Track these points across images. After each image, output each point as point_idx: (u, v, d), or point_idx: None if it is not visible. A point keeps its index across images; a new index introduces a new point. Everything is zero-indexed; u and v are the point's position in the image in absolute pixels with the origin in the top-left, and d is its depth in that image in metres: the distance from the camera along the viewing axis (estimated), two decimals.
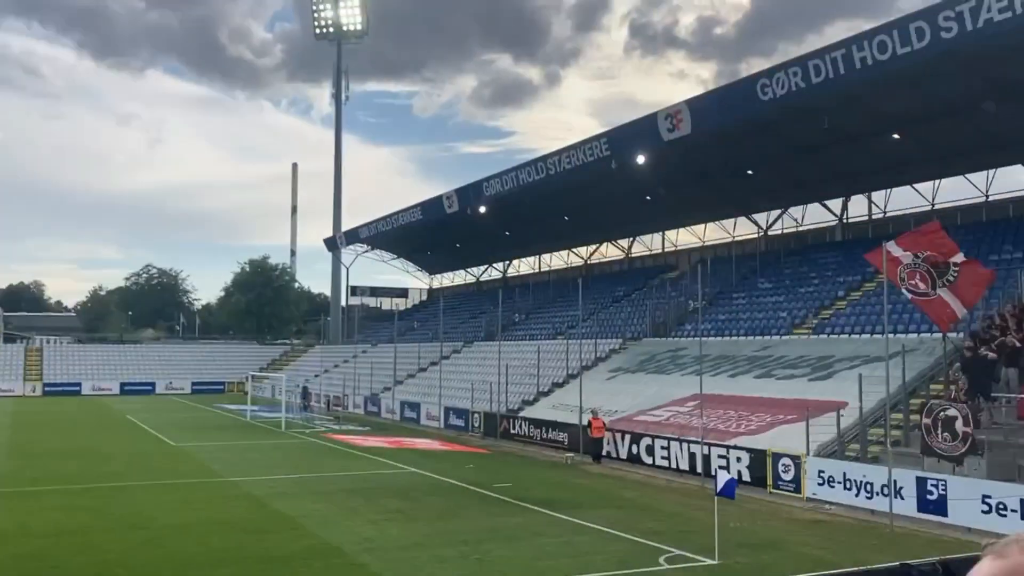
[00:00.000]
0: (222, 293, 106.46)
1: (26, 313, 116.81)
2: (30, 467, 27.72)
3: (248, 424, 44.64)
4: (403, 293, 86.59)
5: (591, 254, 61.23)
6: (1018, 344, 21.88)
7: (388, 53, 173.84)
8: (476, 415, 39.07)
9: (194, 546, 16.52)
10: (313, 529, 18.10)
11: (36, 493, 22.88)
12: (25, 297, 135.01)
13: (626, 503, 21.92)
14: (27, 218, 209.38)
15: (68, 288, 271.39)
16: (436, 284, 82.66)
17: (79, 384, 71.89)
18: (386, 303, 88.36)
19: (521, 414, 37.62)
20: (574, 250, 61.98)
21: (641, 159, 37.42)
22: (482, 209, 50.97)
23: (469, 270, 76.12)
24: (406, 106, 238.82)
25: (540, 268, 66.98)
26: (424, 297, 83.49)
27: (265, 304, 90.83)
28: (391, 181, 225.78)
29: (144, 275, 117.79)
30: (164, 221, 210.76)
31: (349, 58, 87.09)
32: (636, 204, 46.36)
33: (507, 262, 70.43)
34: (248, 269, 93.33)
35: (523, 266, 69.37)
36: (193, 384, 74.30)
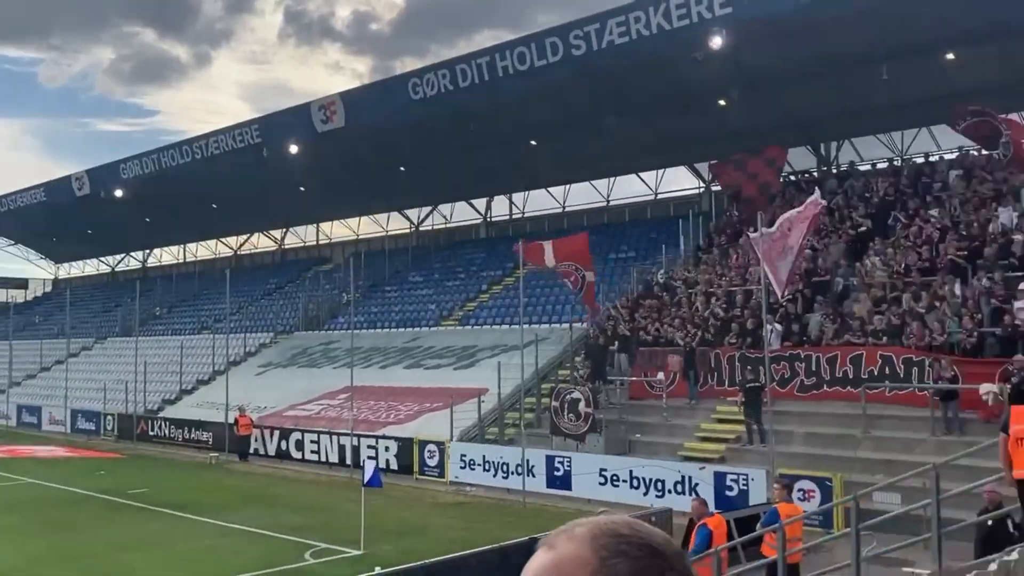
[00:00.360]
0: None
1: None
2: None
3: None
4: (22, 284, 77.02)
5: (241, 244, 58.91)
6: (628, 333, 24.66)
7: (6, 12, 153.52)
8: (109, 417, 36.01)
9: None
10: None
11: None
12: None
13: (274, 501, 21.47)
14: None
15: None
16: (63, 274, 74.57)
17: None
18: (1, 295, 78.15)
19: (161, 414, 35.34)
20: (223, 240, 59.26)
21: (294, 149, 36.65)
22: (119, 193, 46.81)
23: (103, 259, 69.64)
24: (29, 74, 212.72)
25: (185, 258, 63.14)
26: (48, 288, 75.01)
27: None
28: (9, 157, 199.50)
29: None
30: None
31: None
32: (289, 194, 45.38)
33: (147, 251, 65.47)
34: None
35: (166, 256, 64.90)
36: None
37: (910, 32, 23.16)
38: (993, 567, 6.67)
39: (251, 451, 28.50)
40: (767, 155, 28.27)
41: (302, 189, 44.16)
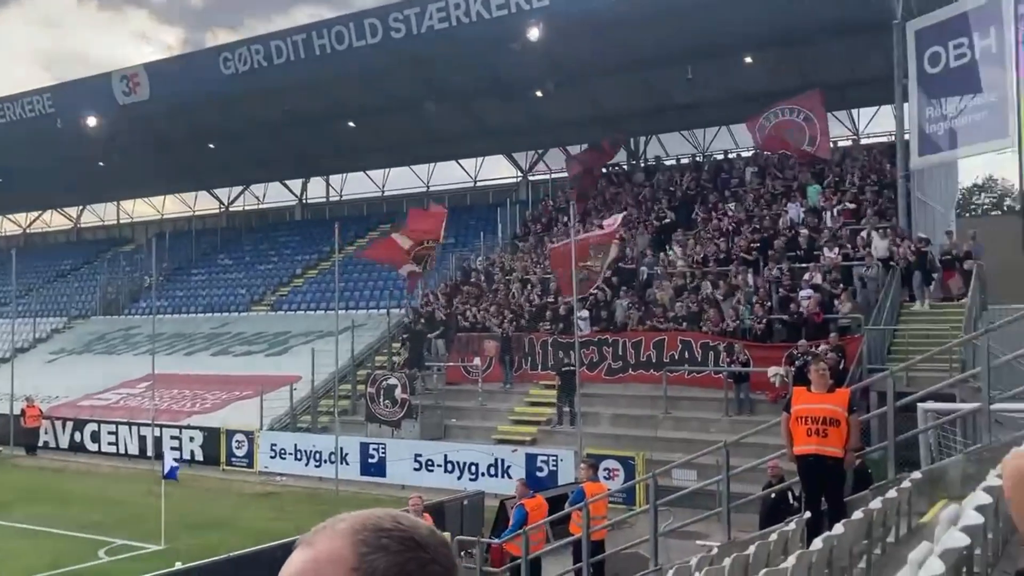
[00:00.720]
0: None
1: None
2: None
3: None
4: None
5: (32, 222, 54.44)
6: (445, 318, 24.81)
7: None
8: None
9: None
10: None
11: None
12: None
13: (66, 497, 20.06)
14: None
15: None
16: None
17: None
18: None
19: None
20: (10, 217, 54.54)
21: (93, 121, 34.26)
22: None
23: None
24: None
25: None
26: None
27: None
28: None
29: None
30: None
31: None
32: (87, 170, 42.33)
33: None
34: None
35: None
36: None
37: (712, 35, 24.53)
38: (774, 537, 7.21)
39: (40, 444, 26.48)
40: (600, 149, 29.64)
41: (101, 164, 41.31)
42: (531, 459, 18.56)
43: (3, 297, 40.57)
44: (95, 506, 18.74)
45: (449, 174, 39.32)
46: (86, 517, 17.43)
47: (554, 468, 18.09)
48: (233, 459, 22.94)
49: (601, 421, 20.27)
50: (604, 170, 32.22)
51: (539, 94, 29.88)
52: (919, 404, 11.52)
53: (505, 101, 31.28)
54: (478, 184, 38.83)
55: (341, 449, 20.42)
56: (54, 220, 53.81)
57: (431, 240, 23.82)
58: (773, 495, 11.30)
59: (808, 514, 8.30)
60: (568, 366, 20.50)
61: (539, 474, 18.01)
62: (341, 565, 1.09)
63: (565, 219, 24.06)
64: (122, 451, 24.93)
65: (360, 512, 1.17)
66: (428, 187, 39.60)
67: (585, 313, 21.62)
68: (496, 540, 12.50)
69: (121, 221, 50.12)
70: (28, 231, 54.37)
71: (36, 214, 53.95)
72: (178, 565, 12.05)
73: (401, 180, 40.33)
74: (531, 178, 37.03)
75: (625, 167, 33.46)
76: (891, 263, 20.02)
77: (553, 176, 35.75)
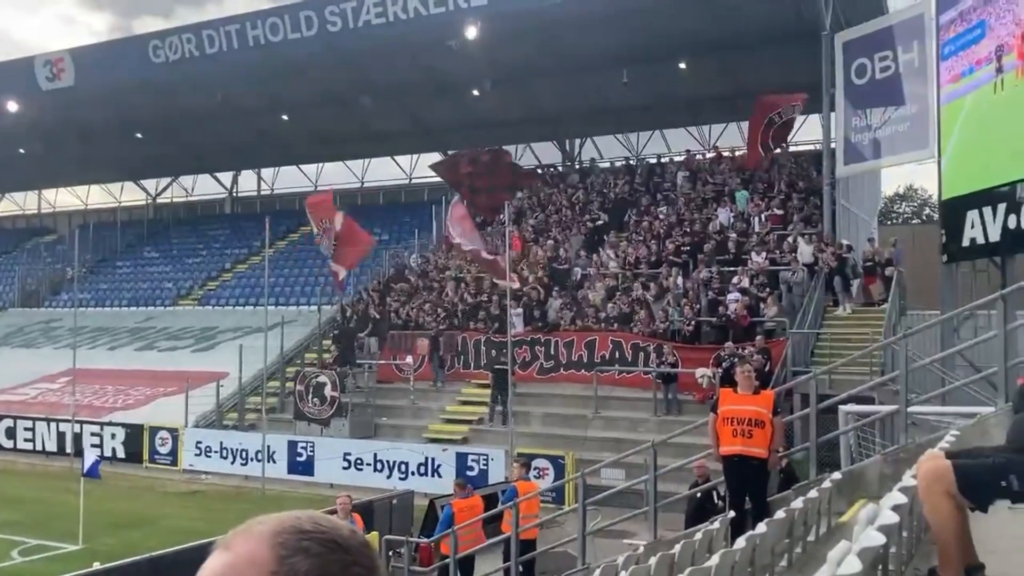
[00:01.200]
0: None
1: None
2: None
3: None
4: None
5: None
6: (378, 316, 24.62)
7: None
8: None
9: None
10: None
11: None
12: None
13: None
14: None
15: None
16: None
17: None
18: None
19: None
20: None
21: (13, 106, 33.09)
22: None
23: None
24: None
25: None
26: None
27: None
28: None
29: None
30: None
31: None
32: (7, 156, 40.89)
33: None
34: None
35: None
36: None
37: (648, 40, 24.84)
38: (699, 536, 7.33)
39: None
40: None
41: (22, 151, 39.91)
42: (462, 458, 18.55)
43: None
44: (10, 505, 18.08)
45: (384, 171, 39.04)
46: (0, 516, 16.83)
47: (485, 467, 18.11)
48: (156, 457, 22.41)
49: (532, 420, 20.36)
50: (537, 171, 32.36)
51: (476, 93, 29.87)
52: (840, 406, 11.85)
53: (442, 99, 31.18)
54: (414, 181, 38.61)
55: (268, 447, 20.12)
56: None
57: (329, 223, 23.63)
58: (699, 495, 11.50)
59: (732, 513, 8.46)
60: (501, 365, 20.54)
61: (469, 473, 17.99)
62: (260, 568, 1.06)
63: (500, 217, 24.10)
64: (40, 448, 24.14)
65: (280, 514, 1.14)
66: (362, 183, 39.25)
67: (519, 310, 21.69)
68: (424, 540, 12.45)
69: (43, 211, 48.49)
70: None
71: None
72: (96, 565, 11.71)
73: (335, 175, 39.89)
74: None
75: (560, 168, 33.65)
76: (816, 268, 20.54)
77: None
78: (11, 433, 24.78)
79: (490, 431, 20.44)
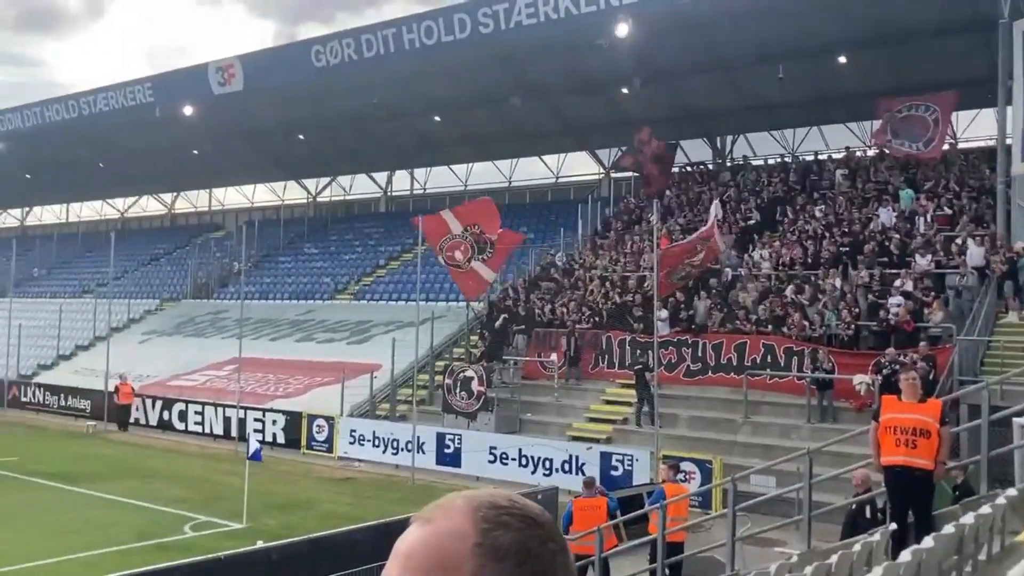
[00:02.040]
0: None
1: None
2: None
3: None
4: None
5: (129, 207, 56.60)
6: (523, 313, 24.86)
7: None
8: None
9: None
10: None
11: None
12: None
13: (153, 472, 20.83)
14: None
15: None
16: None
17: None
18: None
19: (36, 380, 33.80)
20: (109, 201, 56.79)
21: (189, 110, 35.42)
22: None
23: None
24: None
25: (68, 218, 60.25)
26: None
27: None
28: None
29: None
30: None
31: None
32: (182, 158, 43.82)
33: (26, 209, 62.18)
34: None
35: (46, 215, 61.81)
36: None
37: (805, 34, 23.98)
38: (857, 548, 7.04)
39: (131, 421, 27.55)
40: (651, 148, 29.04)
41: (195, 152, 42.75)
42: (606, 457, 18.48)
43: (101, 278, 42.27)
44: (181, 483, 19.40)
45: (531, 170, 39.40)
46: (173, 492, 18.06)
47: (629, 468, 17.98)
48: (313, 443, 23.46)
49: (678, 423, 20.06)
50: (680, 168, 31.80)
51: (625, 91, 29.69)
52: (1015, 419, 11.08)
53: (590, 97, 31.17)
54: (560, 180, 38.80)
55: (418, 438, 20.68)
56: (150, 206, 55.82)
57: (481, 230, 22.33)
58: (854, 506, 11.03)
59: (894, 526, 8.07)
60: (644, 366, 20.34)
61: (614, 473, 17.93)
62: (464, 540, 1.09)
63: (649, 216, 23.82)
64: (207, 431, 25.74)
65: (474, 491, 1.18)
66: (510, 182, 39.74)
67: (665, 313, 21.41)
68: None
69: (213, 208, 51.71)
70: (126, 216, 56.56)
71: (133, 199, 56.07)
72: (259, 543, 12.39)
73: (484, 175, 40.57)
74: (613, 175, 36.81)
75: (711, 166, 32.97)
76: (987, 272, 19.27)
77: (635, 173, 35.42)
78: (183, 416, 26.54)
79: (635, 432, 20.28)
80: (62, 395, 30.80)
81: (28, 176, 51.28)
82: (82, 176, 50.22)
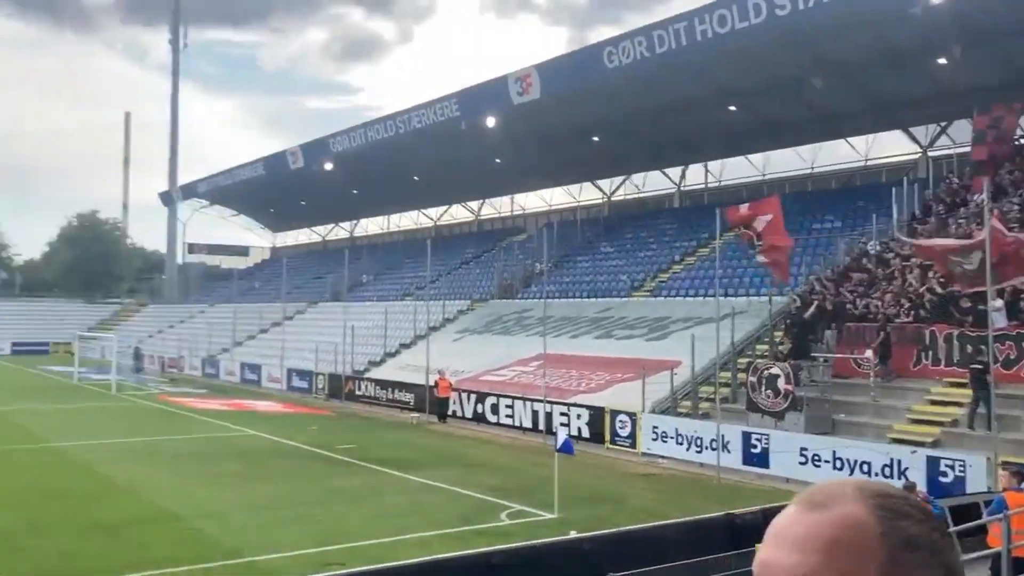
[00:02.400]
0: (46, 249, 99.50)
1: None
2: None
3: (75, 386, 42.19)
4: (244, 251, 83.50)
5: (441, 216, 61.09)
6: (830, 307, 23.46)
7: None
8: (320, 377, 38.45)
9: (11, 515, 15.52)
10: (146, 494, 17.39)
11: None
12: None
13: (471, 461, 22.20)
14: None
15: None
16: (279, 243, 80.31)
17: None
18: (226, 261, 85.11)
19: (367, 375, 37.34)
20: (424, 211, 61.65)
21: (491, 121, 37.45)
22: (329, 166, 49.74)
23: (314, 229, 74.35)
24: (249, 56, 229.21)
25: (389, 228, 66.27)
26: (267, 256, 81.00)
27: (94, 260, 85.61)
28: (232, 134, 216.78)
29: None
30: None
31: (188, 2, 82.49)
32: (486, 166, 46.51)
33: (355, 221, 69.22)
34: (76, 223, 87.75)
35: (371, 226, 68.44)
36: (13, 345, 69.28)
37: None
38: None
39: (449, 413, 29.60)
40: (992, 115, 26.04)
41: (498, 161, 45.10)
42: (933, 462, 16.93)
43: (419, 282, 45.95)
44: (496, 472, 20.50)
45: (836, 153, 37.22)
46: (487, 481, 19.12)
47: (961, 474, 16.34)
48: (617, 439, 23.80)
49: (1021, 426, 17.91)
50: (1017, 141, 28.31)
51: (942, 61, 27.09)
52: None
53: (900, 71, 28.80)
54: (869, 163, 36.24)
55: (723, 436, 20.26)
56: (459, 214, 59.85)
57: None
58: None
59: None
60: (979, 363, 18.37)
61: (943, 479, 16.39)
62: (866, 531, 1.03)
63: (977, 197, 21.54)
64: (517, 423, 27.01)
65: (852, 479, 1.12)
66: (812, 167, 37.80)
67: (1000, 303, 19.20)
68: None
69: (515, 213, 54.32)
70: (438, 224, 61.04)
71: (444, 208, 60.40)
72: (572, 534, 12.76)
73: (782, 163, 38.95)
74: (931, 154, 33.75)
75: None
76: None
77: (958, 151, 32.20)
78: (495, 409, 28.07)
79: (967, 435, 18.39)
80: (389, 389, 33.82)
81: (355, 192, 57.02)
82: (400, 189, 54.94)
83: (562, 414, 25.17)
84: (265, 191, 60.41)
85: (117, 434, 26.56)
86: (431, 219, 61.45)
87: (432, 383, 30.13)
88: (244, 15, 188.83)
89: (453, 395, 29.69)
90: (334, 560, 12.51)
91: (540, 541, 10.76)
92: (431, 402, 30.05)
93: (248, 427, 27.89)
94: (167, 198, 75.62)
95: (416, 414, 30.62)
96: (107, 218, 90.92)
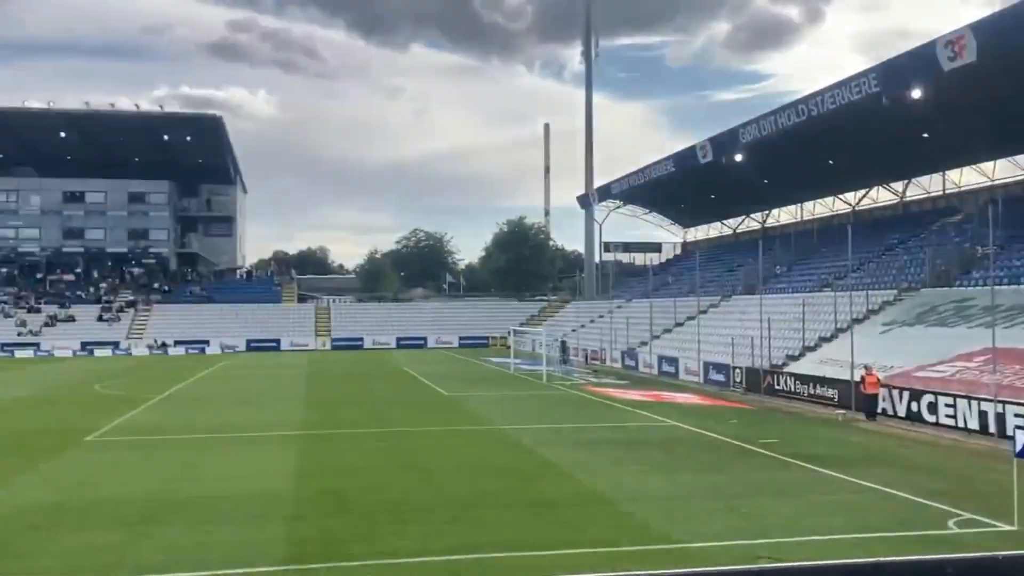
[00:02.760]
0: (483, 253, 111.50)
1: (314, 276, 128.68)
2: (325, 414, 30.61)
3: (512, 376, 46.51)
4: (656, 248, 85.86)
5: (859, 200, 57.31)
6: None
7: (638, 5, 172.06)
8: (737, 370, 38.11)
9: (467, 488, 17.46)
10: (579, 476, 18.53)
11: (331, 436, 25.25)
12: (312, 261, 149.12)
13: (905, 462, 20.49)
14: (313, 190, 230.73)
15: (348, 252, 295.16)
16: (690, 237, 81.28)
17: (361, 339, 78.60)
18: (639, 258, 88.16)
19: (785, 369, 36.24)
20: (840, 196, 58.31)
21: (916, 93, 34.38)
22: (738, 157, 49.24)
23: (725, 222, 74.03)
24: (657, 57, 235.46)
25: (802, 217, 63.72)
26: (678, 251, 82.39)
27: (523, 262, 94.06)
28: (643, 135, 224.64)
29: (412, 239, 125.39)
30: (429, 187, 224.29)
31: (598, 13, 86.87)
32: (910, 143, 42.72)
33: (766, 212, 67.67)
34: (506, 229, 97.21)
35: (783, 215, 66.37)
36: (460, 339, 78.72)
37: None
38: None
39: (879, 411, 27.62)
40: None
41: (925, 136, 41.25)
42: None
43: (838, 271, 43.57)
44: (936, 476, 18.67)
45: None
46: (927, 485, 17.47)
47: None
48: None
49: None
50: None
51: None
52: None
53: None
54: None
55: None
56: (880, 196, 55.68)
57: None
58: None
59: None
60: None
61: None
62: None
63: None
64: (960, 424, 24.36)
65: None
66: None
67: None
68: None
69: (947, 191, 49.21)
70: (857, 208, 57.35)
71: (863, 192, 56.58)
72: None
73: None
74: None
75: None
76: None
77: None
78: (932, 408, 25.59)
79: None
80: (810, 384, 32.45)
81: (766, 182, 55.73)
82: (813, 175, 52.58)
83: (1018, 416, 22.18)
84: (675, 187, 61.52)
85: (550, 420, 28.75)
86: (848, 204, 57.89)
87: (858, 378, 28.35)
88: (649, 18, 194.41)
89: (882, 391, 27.64)
90: (763, 553, 12.26)
91: (1004, 553, 9.51)
92: (857, 398, 28.29)
93: (668, 418, 28.53)
94: (584, 201, 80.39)
95: (842, 411, 29.02)
96: (532, 223, 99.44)
